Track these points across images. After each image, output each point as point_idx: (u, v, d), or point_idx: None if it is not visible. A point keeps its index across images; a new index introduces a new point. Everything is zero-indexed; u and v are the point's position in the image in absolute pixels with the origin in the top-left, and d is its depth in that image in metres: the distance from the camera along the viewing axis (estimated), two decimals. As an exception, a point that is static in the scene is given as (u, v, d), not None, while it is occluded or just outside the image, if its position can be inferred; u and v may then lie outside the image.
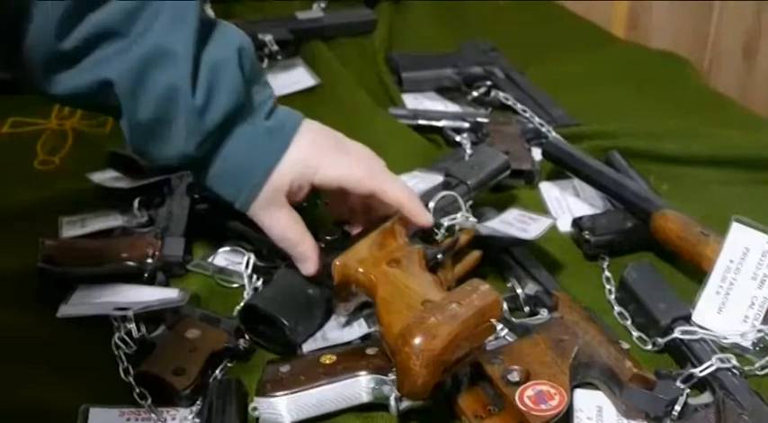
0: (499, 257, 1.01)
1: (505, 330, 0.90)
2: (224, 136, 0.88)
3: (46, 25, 0.81)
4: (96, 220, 1.08)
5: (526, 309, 0.95)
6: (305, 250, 0.92)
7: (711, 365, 0.86)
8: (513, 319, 0.91)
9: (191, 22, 0.84)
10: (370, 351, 0.86)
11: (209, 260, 1.03)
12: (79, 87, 0.84)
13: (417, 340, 0.75)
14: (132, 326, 0.92)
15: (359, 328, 0.92)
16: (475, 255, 0.99)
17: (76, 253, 1.02)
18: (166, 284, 1.00)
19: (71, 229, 1.07)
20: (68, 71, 0.84)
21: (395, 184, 0.93)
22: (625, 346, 0.88)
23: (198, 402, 0.86)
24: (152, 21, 0.83)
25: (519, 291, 0.95)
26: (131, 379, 0.88)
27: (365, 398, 0.84)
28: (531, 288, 0.95)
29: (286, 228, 0.92)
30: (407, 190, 0.94)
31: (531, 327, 0.88)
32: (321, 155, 0.91)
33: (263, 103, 0.90)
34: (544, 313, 0.91)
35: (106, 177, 1.15)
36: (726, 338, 0.90)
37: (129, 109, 0.86)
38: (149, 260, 1.00)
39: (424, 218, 0.94)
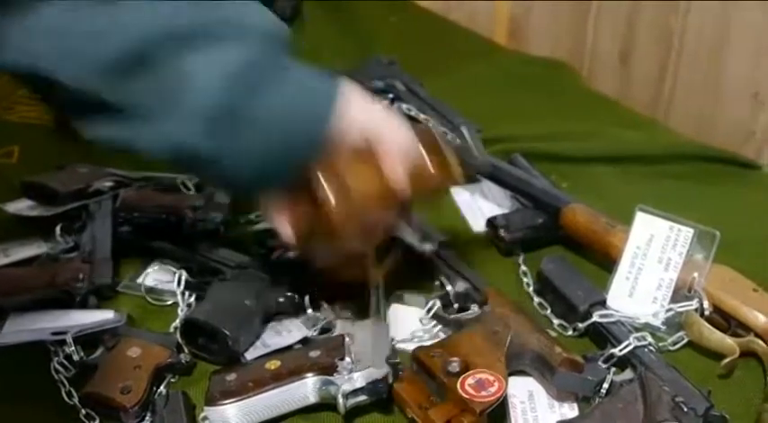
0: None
1: (439, 326, 0.95)
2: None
3: None
4: (20, 248, 1.08)
5: (456, 305, 0.99)
6: None
7: (629, 344, 0.91)
8: (447, 316, 0.95)
9: None
10: (313, 353, 0.88)
11: (139, 281, 1.04)
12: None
13: None
14: (71, 349, 0.92)
15: (298, 332, 0.95)
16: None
17: (4, 282, 1.01)
18: (98, 308, 1.00)
19: (-6, 260, 1.06)
20: None
21: None
22: (552, 334, 0.94)
23: (147, 418, 0.87)
24: None
25: (449, 288, 0.99)
26: (76, 401, 0.88)
27: (312, 399, 0.87)
28: (461, 285, 0.99)
29: None
30: None
31: (465, 321, 0.93)
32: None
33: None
34: (474, 308, 0.95)
35: (22, 207, 1.14)
36: (639, 319, 0.97)
37: None
38: (79, 284, 1.00)
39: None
